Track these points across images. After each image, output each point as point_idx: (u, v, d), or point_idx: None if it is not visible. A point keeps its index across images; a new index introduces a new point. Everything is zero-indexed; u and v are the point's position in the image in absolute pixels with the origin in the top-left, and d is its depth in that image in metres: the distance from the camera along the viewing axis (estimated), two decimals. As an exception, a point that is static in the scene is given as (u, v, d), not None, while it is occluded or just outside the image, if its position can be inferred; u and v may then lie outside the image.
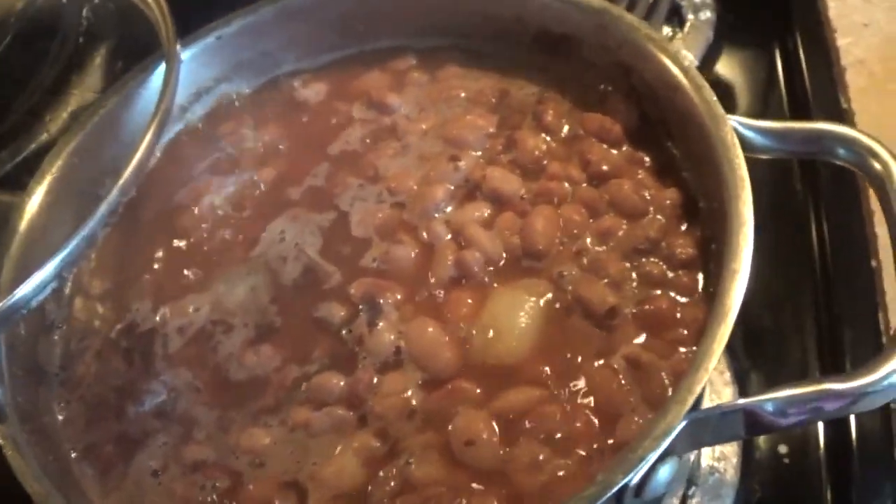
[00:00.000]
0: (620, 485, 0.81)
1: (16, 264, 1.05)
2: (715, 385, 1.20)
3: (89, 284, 1.13)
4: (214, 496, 0.96)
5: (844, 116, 1.29)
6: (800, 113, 1.44)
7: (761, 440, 1.19)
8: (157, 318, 1.08)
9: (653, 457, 0.83)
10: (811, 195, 1.36)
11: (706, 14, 1.55)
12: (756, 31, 1.56)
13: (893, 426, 1.11)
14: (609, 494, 0.81)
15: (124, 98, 1.15)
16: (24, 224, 1.08)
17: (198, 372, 1.04)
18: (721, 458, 1.16)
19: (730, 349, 1.21)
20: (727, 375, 1.21)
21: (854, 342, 1.21)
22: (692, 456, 1.15)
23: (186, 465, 0.98)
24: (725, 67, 1.53)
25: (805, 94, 1.44)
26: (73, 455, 1.01)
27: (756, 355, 1.24)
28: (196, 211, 1.15)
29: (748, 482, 1.16)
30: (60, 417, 1.04)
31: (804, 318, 1.27)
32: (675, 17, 1.54)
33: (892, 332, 1.05)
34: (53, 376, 1.06)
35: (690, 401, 0.83)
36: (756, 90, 1.51)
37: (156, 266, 1.12)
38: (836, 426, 1.18)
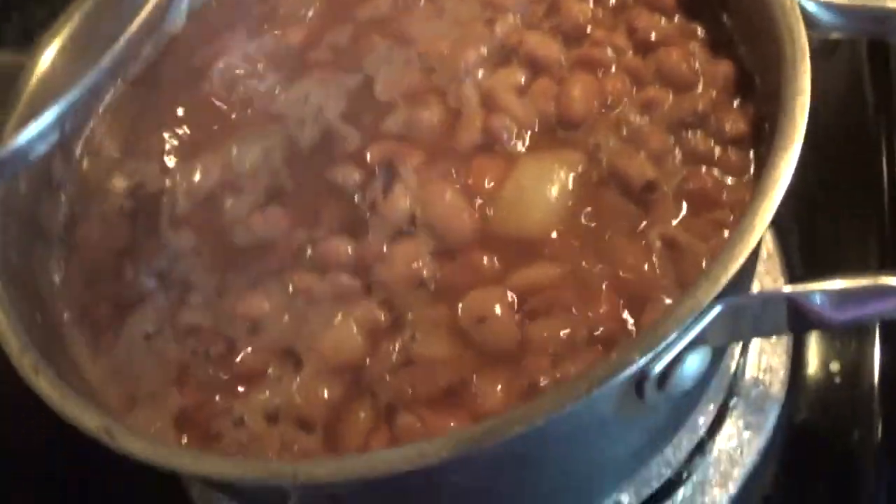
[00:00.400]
0: (636, 367, 0.72)
1: (21, 120, 0.97)
2: (763, 281, 1.10)
3: (101, 145, 1.05)
4: (207, 361, 0.89)
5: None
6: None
7: (812, 355, 1.09)
8: (167, 181, 1.00)
9: (679, 341, 0.73)
10: (883, 103, 1.24)
11: None
12: None
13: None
14: (623, 377, 0.72)
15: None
16: (33, 81, 1.01)
17: (203, 235, 0.96)
18: (767, 370, 1.06)
19: (786, 257, 1.12)
20: (780, 283, 1.09)
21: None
22: (734, 364, 1.06)
23: (180, 330, 0.91)
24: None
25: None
26: (66, 317, 0.95)
27: (812, 265, 1.13)
28: (217, 72, 1.07)
29: (794, 399, 1.06)
30: (57, 278, 0.98)
31: (867, 230, 1.15)
32: None
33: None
34: (55, 236, 1.00)
35: (724, 280, 0.73)
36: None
37: (171, 127, 1.05)
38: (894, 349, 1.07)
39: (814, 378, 1.07)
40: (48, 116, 0.88)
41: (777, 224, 1.12)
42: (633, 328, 0.83)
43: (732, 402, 1.04)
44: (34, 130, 0.88)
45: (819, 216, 1.15)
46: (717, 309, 0.74)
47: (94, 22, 1.03)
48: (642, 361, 0.72)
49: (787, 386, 1.06)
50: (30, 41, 1.04)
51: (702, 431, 1.02)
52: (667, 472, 1.01)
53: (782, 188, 0.76)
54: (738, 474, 1.02)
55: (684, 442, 1.01)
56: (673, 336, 0.72)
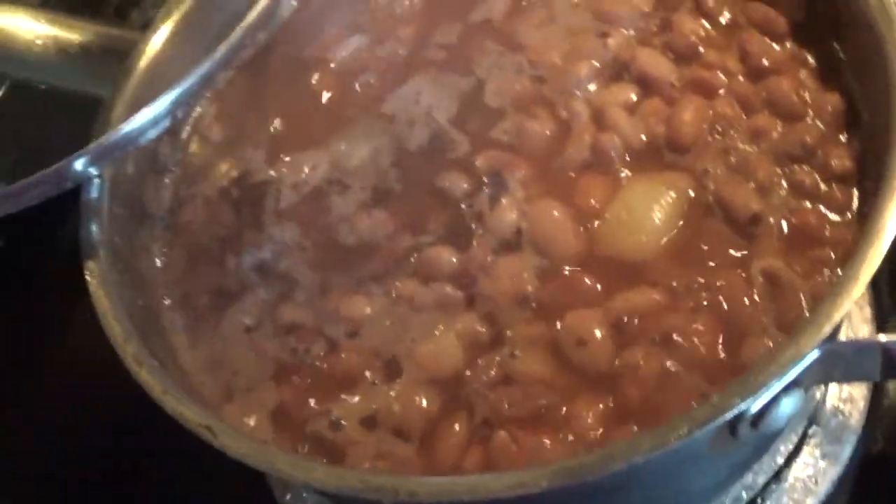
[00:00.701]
0: (736, 411, 0.72)
1: (130, 102, 0.98)
2: (853, 320, 1.09)
3: (209, 130, 1.06)
4: (307, 360, 0.89)
5: None
6: None
7: (893, 386, 1.09)
8: (272, 172, 1.00)
9: (778, 385, 0.73)
10: None
11: None
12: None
13: None
14: (722, 420, 0.72)
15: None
16: (143, 62, 1.02)
17: (307, 231, 0.96)
18: (848, 401, 1.06)
19: (874, 284, 1.09)
20: (867, 312, 1.09)
21: None
22: (818, 393, 1.05)
23: (281, 326, 0.92)
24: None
25: None
26: (167, 303, 0.95)
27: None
28: (328, 64, 1.07)
29: (872, 430, 1.06)
30: (159, 262, 0.98)
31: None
32: None
33: None
34: (159, 220, 1.00)
35: (828, 328, 0.73)
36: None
37: (279, 117, 1.05)
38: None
39: (893, 409, 1.07)
40: (162, 104, 0.89)
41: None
42: (730, 362, 0.83)
43: (811, 430, 1.04)
44: (147, 116, 0.89)
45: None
46: (815, 355, 0.74)
47: (208, 6, 1.04)
48: (742, 406, 0.72)
49: (865, 417, 1.05)
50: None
51: (781, 460, 1.02)
52: (744, 497, 1.01)
53: (889, 238, 0.76)
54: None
55: (763, 468, 1.01)
56: (773, 382, 0.72)
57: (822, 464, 1.03)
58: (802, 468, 1.03)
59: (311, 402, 0.88)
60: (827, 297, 0.75)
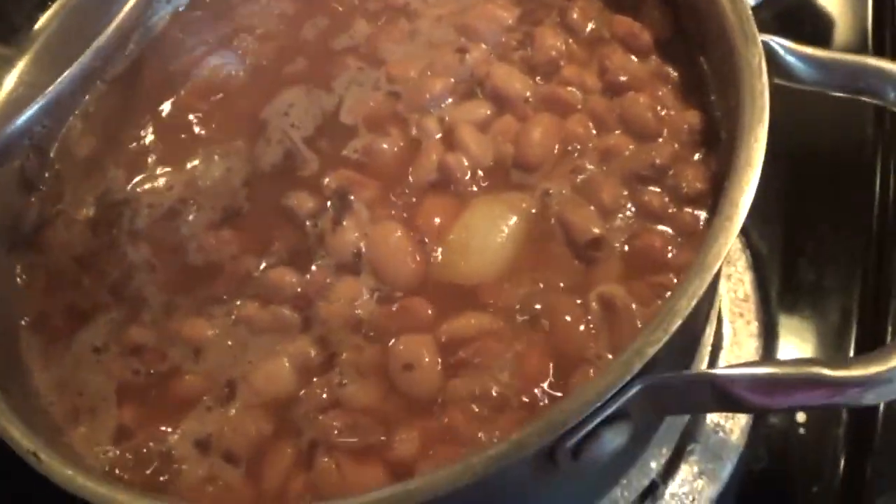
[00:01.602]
0: (539, 447, 0.68)
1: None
2: (739, 335, 1.05)
3: (76, 147, 1.03)
4: (147, 381, 0.87)
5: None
6: (883, 53, 1.23)
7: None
8: (129, 190, 0.97)
9: (594, 418, 0.69)
10: (882, 144, 1.16)
11: (802, -73, 1.33)
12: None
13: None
14: (526, 455, 0.68)
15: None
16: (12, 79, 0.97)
17: (158, 250, 0.94)
18: (729, 417, 1.01)
19: (763, 297, 1.05)
20: (754, 326, 1.05)
21: (899, 313, 1.03)
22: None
23: (126, 347, 0.89)
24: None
25: (894, 33, 1.23)
26: (24, 322, 0.93)
27: (791, 309, 1.07)
28: (191, 82, 1.03)
29: (755, 448, 1.01)
30: (20, 281, 0.95)
31: (851, 277, 1.08)
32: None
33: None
34: (22, 239, 0.97)
35: (637, 365, 0.69)
36: (843, 21, 1.28)
37: (141, 135, 1.01)
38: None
39: (778, 427, 1.01)
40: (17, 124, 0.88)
41: (757, 266, 1.06)
42: (560, 389, 0.78)
43: (690, 447, 0.99)
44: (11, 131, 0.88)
45: (801, 259, 1.08)
46: (635, 388, 0.70)
47: (74, 25, 0.99)
48: (546, 441, 0.68)
49: (748, 435, 1.00)
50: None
51: (653, 475, 0.97)
52: (617, 512, 0.97)
53: (713, 270, 0.72)
54: (687, 522, 0.98)
55: (634, 483, 0.96)
56: (586, 413, 0.68)
57: (700, 482, 0.99)
58: (679, 485, 0.99)
59: (151, 424, 0.84)
60: (645, 328, 0.70)
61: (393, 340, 0.82)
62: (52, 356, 0.90)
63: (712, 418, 1.00)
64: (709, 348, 0.99)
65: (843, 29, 1.27)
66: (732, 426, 0.99)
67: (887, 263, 1.08)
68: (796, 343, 1.05)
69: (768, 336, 1.05)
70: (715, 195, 0.83)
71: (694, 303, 0.70)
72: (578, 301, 0.81)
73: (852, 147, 1.16)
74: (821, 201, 1.11)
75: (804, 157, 1.11)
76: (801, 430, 1.00)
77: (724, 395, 0.72)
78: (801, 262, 1.08)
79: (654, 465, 0.96)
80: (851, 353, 1.03)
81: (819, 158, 1.13)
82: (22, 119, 0.88)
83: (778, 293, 1.07)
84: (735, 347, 1.03)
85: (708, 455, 0.99)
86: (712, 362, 1.01)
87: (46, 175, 1.00)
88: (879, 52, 1.24)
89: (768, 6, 1.25)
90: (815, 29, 1.27)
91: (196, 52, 1.05)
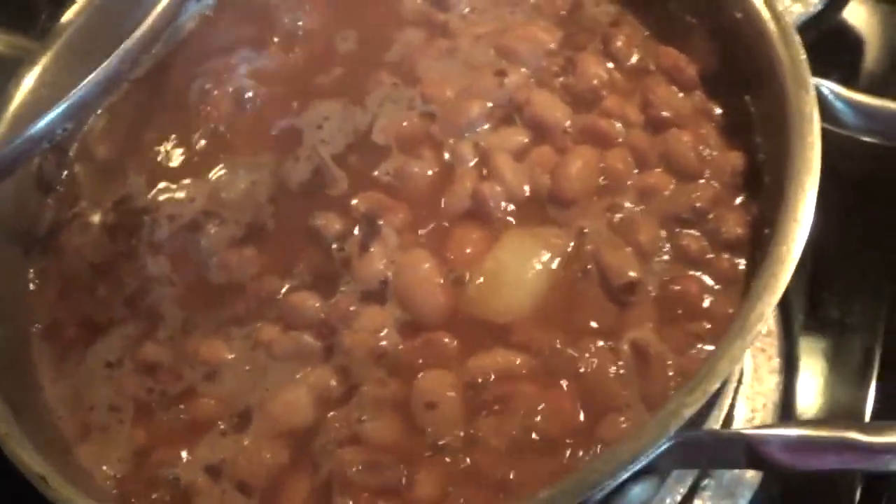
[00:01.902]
0: None
1: (15, 123, 0.94)
2: (759, 371, 1.01)
3: (96, 148, 1.01)
4: (162, 402, 0.84)
5: None
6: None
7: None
8: (150, 198, 0.95)
9: (622, 475, 0.67)
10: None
11: (841, -44, 1.30)
12: (891, -16, 1.31)
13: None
14: None
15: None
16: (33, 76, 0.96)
17: (178, 264, 0.91)
18: (751, 470, 0.98)
19: (786, 333, 1.02)
20: (775, 362, 1.01)
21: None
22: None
23: (141, 364, 0.86)
24: (851, 17, 1.26)
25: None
26: (36, 329, 0.91)
27: (814, 345, 1.03)
28: (221, 87, 1.00)
29: (769, 487, 0.96)
30: (33, 286, 0.93)
31: (876, 314, 1.04)
32: (807, -45, 1.29)
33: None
34: (37, 241, 0.95)
35: (673, 426, 0.66)
36: (878, 48, 1.24)
37: (164, 139, 0.99)
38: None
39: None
40: (54, 113, 0.86)
41: (781, 301, 1.03)
42: (586, 437, 0.75)
43: (704, 483, 0.96)
44: (38, 126, 0.86)
45: (825, 295, 1.05)
46: (665, 446, 0.67)
47: (99, 23, 0.98)
48: (576, 501, 0.66)
49: (762, 473, 0.96)
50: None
51: (669, 511, 0.94)
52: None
53: (756, 330, 0.69)
54: (700, 558, 0.96)
55: (650, 520, 0.93)
56: (617, 476, 0.66)
57: (713, 519, 0.97)
58: (693, 522, 0.97)
59: (163, 446, 0.82)
60: (682, 389, 0.68)
61: (417, 376, 0.79)
62: (64, 368, 0.88)
63: (728, 455, 0.98)
64: (733, 384, 0.97)
65: (879, 56, 1.24)
66: (748, 463, 0.97)
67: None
68: (817, 380, 1.02)
69: (789, 372, 1.02)
70: (754, 242, 0.81)
71: (735, 365, 0.68)
72: (611, 345, 0.78)
73: (883, 180, 1.12)
74: (848, 236, 1.08)
75: (831, 188, 1.08)
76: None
77: (756, 454, 0.70)
78: (825, 298, 1.05)
79: (669, 501, 0.94)
80: (871, 393, 1.01)
81: (847, 190, 1.10)
82: (43, 122, 0.86)
83: (801, 329, 1.04)
84: (756, 383, 0.99)
85: (722, 491, 0.95)
86: (733, 398, 0.99)
87: (64, 176, 0.98)
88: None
89: (804, 31, 1.22)
90: (852, 55, 1.23)
91: (224, 56, 1.02)
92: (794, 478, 0.97)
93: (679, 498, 0.95)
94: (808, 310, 1.05)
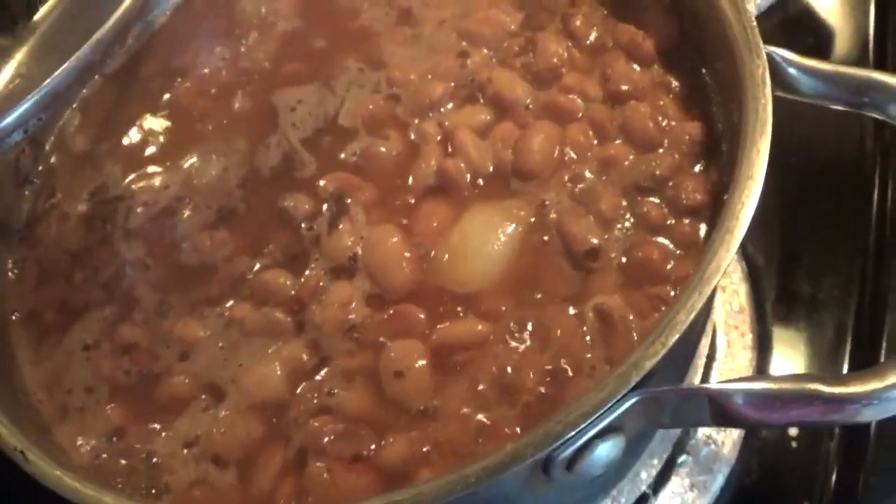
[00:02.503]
0: (534, 459, 0.66)
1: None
2: (733, 347, 1.03)
3: (72, 140, 1.01)
4: (138, 381, 0.85)
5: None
6: (884, 64, 1.22)
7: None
8: (125, 186, 0.96)
9: (588, 431, 0.68)
10: (881, 156, 1.14)
11: (806, -60, 1.32)
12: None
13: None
14: (522, 466, 0.66)
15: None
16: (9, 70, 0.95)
17: (152, 248, 0.92)
18: (721, 430, 0.99)
19: (758, 309, 1.03)
20: (748, 338, 1.03)
21: (893, 329, 1.02)
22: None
23: (118, 345, 0.87)
24: (815, 1, 1.29)
25: (896, 44, 1.22)
26: (15, 317, 0.92)
27: (786, 321, 1.05)
28: (191, 78, 1.02)
29: (747, 461, 0.99)
30: (11, 276, 0.94)
31: (847, 290, 1.06)
32: (774, -61, 1.31)
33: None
34: (15, 232, 0.96)
35: (634, 378, 0.67)
36: (844, 31, 1.27)
37: (139, 130, 1.00)
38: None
39: (770, 441, 0.99)
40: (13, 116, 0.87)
41: (753, 277, 1.04)
42: (555, 400, 0.77)
43: (681, 458, 0.97)
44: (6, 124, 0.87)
45: (797, 271, 1.07)
46: (630, 401, 0.68)
47: (73, 17, 0.97)
48: (542, 453, 0.67)
49: (739, 447, 0.98)
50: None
51: (644, 486, 0.95)
52: (604, 524, 0.95)
53: (712, 283, 0.70)
54: (678, 534, 0.96)
55: (625, 494, 0.94)
56: (582, 425, 0.67)
57: (690, 494, 0.97)
58: (670, 497, 0.97)
59: (139, 424, 0.83)
60: (638, 345, 0.69)
61: (385, 347, 0.80)
62: (43, 352, 0.89)
63: (704, 431, 0.98)
64: (703, 360, 0.98)
65: (844, 39, 1.26)
66: (724, 439, 0.97)
67: (884, 276, 1.06)
68: (790, 355, 1.03)
69: (762, 348, 1.03)
70: (714, 207, 0.82)
71: (692, 316, 0.68)
72: (575, 311, 0.79)
73: (851, 159, 1.14)
74: (818, 213, 1.09)
75: (802, 167, 1.10)
76: (794, 444, 0.98)
77: (720, 409, 0.70)
78: (797, 275, 1.07)
79: (644, 476, 0.94)
80: (846, 367, 1.02)
81: (817, 169, 1.12)
82: (17, 112, 0.87)
83: (773, 305, 1.05)
84: (729, 359, 1.01)
85: (699, 467, 0.97)
86: (706, 374, 1.00)
87: (40, 168, 0.99)
88: (880, 63, 1.23)
89: (770, 16, 1.23)
90: (817, 39, 1.26)
91: (195, 47, 1.03)
92: (771, 454, 0.99)
93: (655, 473, 0.96)
94: (779, 287, 1.07)
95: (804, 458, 0.98)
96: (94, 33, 0.91)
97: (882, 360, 1.00)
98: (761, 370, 1.02)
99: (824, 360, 1.03)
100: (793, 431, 0.98)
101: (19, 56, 0.96)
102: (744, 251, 1.07)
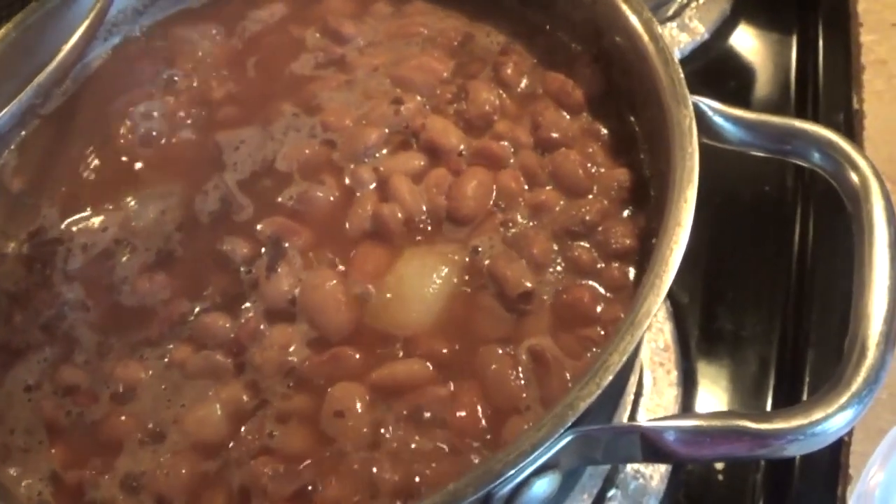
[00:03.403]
0: (475, 497, 0.69)
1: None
2: (659, 384, 1.06)
3: (9, 182, 1.02)
4: (80, 422, 0.86)
5: (854, 118, 1.12)
6: (806, 108, 1.26)
7: (696, 450, 1.04)
8: (64, 229, 0.97)
9: (526, 469, 0.71)
10: (802, 195, 1.20)
11: (727, -16, 1.37)
12: (777, 13, 1.38)
13: (843, 460, 0.95)
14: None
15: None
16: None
17: (92, 290, 0.93)
18: (649, 464, 1.01)
19: (683, 346, 1.07)
20: (674, 375, 1.06)
21: (816, 363, 1.06)
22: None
23: (59, 387, 0.88)
24: (738, 45, 1.35)
25: (817, 88, 1.27)
26: None
27: (710, 358, 1.09)
28: (128, 120, 1.03)
29: (674, 494, 1.02)
30: None
31: (770, 326, 1.11)
32: (694, -18, 1.36)
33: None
34: (-45, 274, 0.97)
35: (571, 417, 0.70)
36: (766, 74, 1.32)
37: (78, 172, 1.01)
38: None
39: (697, 474, 1.03)
40: None
41: (677, 316, 1.08)
42: (491, 440, 0.79)
43: (611, 493, 1.00)
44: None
45: (720, 309, 1.11)
46: (567, 439, 0.71)
47: (10, 58, 0.99)
48: (481, 491, 0.69)
49: (667, 481, 1.01)
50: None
51: (575, 521, 0.98)
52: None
53: (642, 329, 0.73)
54: (607, 568, 0.99)
55: (556, 529, 0.97)
56: (519, 465, 0.69)
57: (620, 527, 1.00)
58: (600, 531, 1.00)
59: (83, 465, 0.84)
60: (571, 387, 0.72)
61: (326, 388, 0.82)
62: (-16, 393, 0.89)
63: (633, 465, 1.01)
64: (631, 397, 1.01)
65: (766, 82, 1.31)
66: (652, 472, 1.01)
67: (805, 313, 1.10)
68: (715, 391, 1.07)
69: (688, 384, 1.07)
70: (643, 251, 0.86)
71: (625, 358, 0.72)
72: (510, 351, 0.82)
73: (772, 198, 1.19)
74: (740, 251, 1.14)
75: (725, 207, 1.14)
76: (720, 477, 1.02)
77: (652, 446, 0.74)
78: (720, 312, 1.11)
79: (576, 510, 0.98)
80: (769, 401, 1.06)
81: (740, 209, 1.16)
82: None
83: (697, 342, 1.09)
84: (655, 396, 1.04)
85: (628, 501, 0.99)
86: (633, 410, 1.03)
87: (-21, 209, 1.00)
88: (802, 103, 1.28)
89: (693, 59, 1.28)
90: (739, 82, 1.31)
91: (132, 89, 1.04)
92: (698, 487, 1.02)
93: (586, 508, 0.99)
94: (703, 325, 1.10)
95: (730, 490, 1.01)
96: (32, 76, 0.92)
97: (805, 394, 1.04)
98: (687, 406, 1.06)
99: (748, 395, 1.06)
100: (719, 465, 1.02)
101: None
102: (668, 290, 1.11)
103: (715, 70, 1.30)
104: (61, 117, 1.04)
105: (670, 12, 1.33)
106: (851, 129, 1.15)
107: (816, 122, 0.85)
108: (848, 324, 0.77)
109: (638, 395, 1.04)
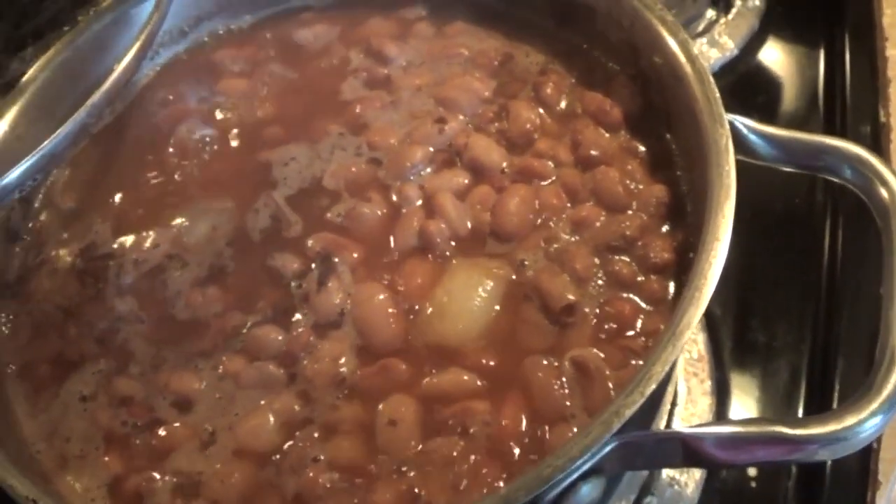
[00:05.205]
0: (525, 501, 0.73)
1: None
2: (693, 393, 1.11)
3: (60, 198, 1.07)
4: (135, 431, 0.91)
5: (881, 131, 1.16)
6: (833, 120, 1.31)
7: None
8: (116, 245, 1.02)
9: (572, 475, 0.75)
10: (831, 208, 1.24)
11: (754, 2, 1.43)
12: (804, 28, 1.43)
13: (872, 466, 1.00)
14: None
15: (117, 17, 1.07)
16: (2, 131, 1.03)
17: (145, 304, 0.98)
18: (685, 471, 1.06)
19: (716, 357, 1.12)
20: (707, 385, 1.11)
21: (845, 372, 1.10)
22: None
23: (115, 398, 0.93)
24: (766, 60, 1.40)
25: (844, 101, 1.32)
26: (10, 370, 0.97)
27: (743, 367, 1.14)
28: (178, 137, 1.08)
29: (709, 501, 1.06)
30: (4, 330, 0.99)
31: (800, 336, 1.15)
32: (722, 1, 1.42)
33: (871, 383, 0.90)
34: (5, 288, 1.02)
35: (616, 424, 0.75)
36: (794, 88, 1.38)
37: (128, 189, 1.06)
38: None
39: (731, 481, 1.07)
40: (20, 169, 0.91)
41: (710, 327, 1.13)
42: (536, 447, 0.84)
43: (647, 500, 1.05)
44: (5, 183, 0.90)
45: (752, 320, 1.16)
46: (612, 445, 0.76)
47: (62, 78, 1.05)
48: (532, 495, 0.73)
49: (701, 488, 1.06)
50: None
51: (613, 529, 1.03)
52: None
53: (682, 340, 0.78)
54: (643, 573, 1.04)
55: (593, 536, 1.02)
56: (567, 470, 0.74)
57: (657, 533, 1.05)
58: (637, 537, 1.04)
59: (138, 472, 0.88)
60: (618, 394, 0.76)
61: (376, 399, 0.87)
62: (40, 404, 0.94)
63: (668, 472, 1.06)
64: (668, 406, 1.06)
65: (794, 96, 1.36)
66: (687, 480, 1.05)
67: (835, 323, 1.14)
68: (747, 401, 1.11)
69: (721, 394, 1.11)
70: (680, 265, 0.91)
71: (667, 368, 0.76)
72: (554, 362, 0.87)
73: (802, 211, 1.24)
74: (771, 264, 1.18)
75: (755, 220, 1.17)
76: (753, 484, 1.06)
77: (692, 452, 0.78)
78: (752, 323, 1.16)
79: (614, 519, 1.03)
80: (800, 409, 1.10)
81: (770, 221, 1.20)
82: (16, 174, 0.91)
83: (730, 353, 1.14)
84: (690, 405, 1.09)
85: (664, 508, 1.05)
86: (669, 419, 1.08)
87: (30, 225, 1.05)
88: (830, 117, 1.32)
89: (723, 74, 1.33)
90: (769, 96, 1.36)
91: (179, 109, 1.10)
92: (732, 494, 1.06)
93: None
94: (735, 336, 1.15)
95: (764, 497, 1.06)
96: (84, 93, 0.97)
97: (834, 402, 1.08)
98: (721, 415, 1.10)
99: (780, 403, 1.11)
100: (752, 471, 1.06)
101: (10, 117, 1.02)
102: (704, 303, 1.16)
103: (744, 84, 1.35)
104: (109, 135, 1.09)
105: (700, 28, 1.39)
106: (878, 141, 1.19)
107: (844, 136, 0.90)
108: (875, 335, 0.82)
109: (673, 404, 1.08)
